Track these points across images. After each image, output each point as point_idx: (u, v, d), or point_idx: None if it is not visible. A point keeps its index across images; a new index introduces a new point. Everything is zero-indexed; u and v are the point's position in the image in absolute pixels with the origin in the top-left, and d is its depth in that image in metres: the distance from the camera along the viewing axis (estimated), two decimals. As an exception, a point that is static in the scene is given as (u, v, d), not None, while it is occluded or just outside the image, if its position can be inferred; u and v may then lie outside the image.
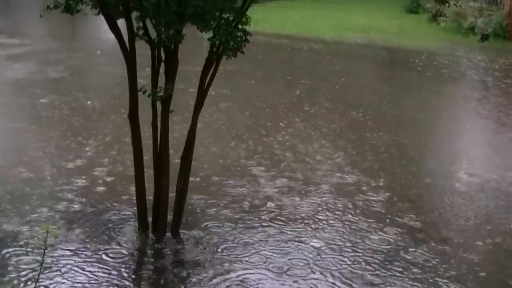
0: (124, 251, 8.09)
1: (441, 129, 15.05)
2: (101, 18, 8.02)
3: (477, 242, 8.88)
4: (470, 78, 20.83)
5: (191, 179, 8.77)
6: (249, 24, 7.74)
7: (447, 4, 30.36)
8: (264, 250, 8.26)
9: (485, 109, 16.79)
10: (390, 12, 34.38)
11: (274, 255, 8.14)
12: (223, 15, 7.63)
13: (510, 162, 12.51)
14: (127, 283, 7.45)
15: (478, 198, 10.56)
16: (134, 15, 7.78)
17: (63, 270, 7.52)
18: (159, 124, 8.20)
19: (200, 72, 8.23)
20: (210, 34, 7.74)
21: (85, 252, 7.99)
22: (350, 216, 9.46)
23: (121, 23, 7.92)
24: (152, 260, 8.11)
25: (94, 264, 7.74)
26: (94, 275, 7.48)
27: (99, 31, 23.34)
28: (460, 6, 29.37)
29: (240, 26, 7.67)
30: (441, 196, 10.53)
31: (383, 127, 14.31)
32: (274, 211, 9.49)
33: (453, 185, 11.06)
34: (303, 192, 10.31)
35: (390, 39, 26.66)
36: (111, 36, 7.97)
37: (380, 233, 8.91)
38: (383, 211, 9.69)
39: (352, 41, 25.74)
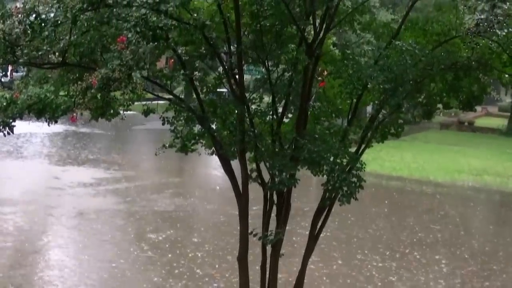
0: None
1: None
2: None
3: None
4: None
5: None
6: (364, 170, 7.48)
7: None
8: None
9: None
10: (505, 154, 33.46)
11: None
12: (337, 160, 7.46)
13: None
14: None
15: None
16: (248, 156, 7.78)
17: None
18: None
19: (307, 211, 8.07)
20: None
21: None
22: None
23: (234, 163, 7.94)
24: None
25: None
26: None
27: (207, 167, 23.64)
28: None
29: (354, 172, 7.45)
30: None
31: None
32: None
33: None
34: None
35: (505, 182, 25.76)
36: (219, 173, 7.99)
37: None
38: None
39: (465, 184, 25.04)
